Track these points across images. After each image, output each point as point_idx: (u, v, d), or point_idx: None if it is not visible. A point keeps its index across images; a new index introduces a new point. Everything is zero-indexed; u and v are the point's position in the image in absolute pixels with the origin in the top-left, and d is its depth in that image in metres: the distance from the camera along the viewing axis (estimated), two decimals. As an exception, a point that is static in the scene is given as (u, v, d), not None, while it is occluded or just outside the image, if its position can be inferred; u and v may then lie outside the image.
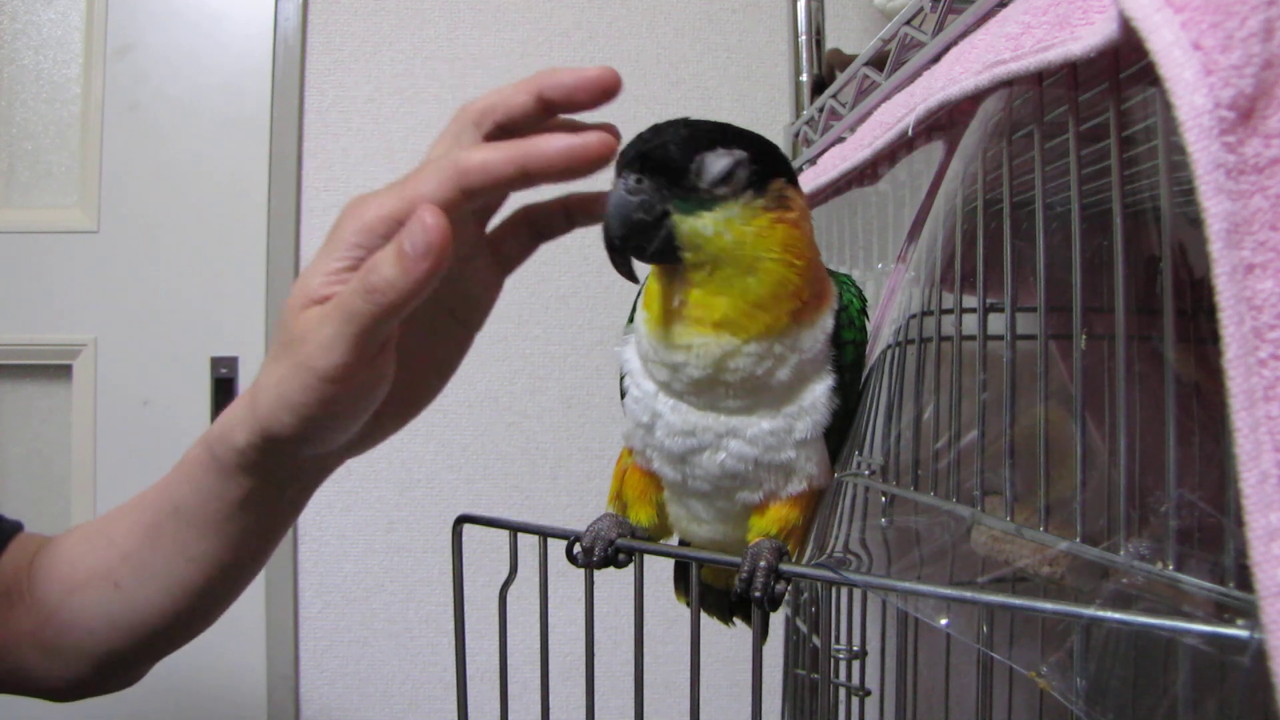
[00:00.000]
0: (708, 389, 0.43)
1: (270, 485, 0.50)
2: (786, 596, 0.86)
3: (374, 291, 0.40)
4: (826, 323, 0.45)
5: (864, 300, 0.48)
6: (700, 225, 0.41)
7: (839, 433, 0.49)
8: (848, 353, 0.46)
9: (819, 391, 0.45)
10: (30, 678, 0.59)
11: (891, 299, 0.51)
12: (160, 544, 0.54)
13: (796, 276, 0.42)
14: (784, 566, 0.44)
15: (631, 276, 0.43)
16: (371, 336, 0.41)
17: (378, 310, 0.40)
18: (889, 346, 0.49)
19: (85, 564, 0.57)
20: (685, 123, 0.42)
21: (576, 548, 0.50)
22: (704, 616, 0.61)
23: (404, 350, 0.48)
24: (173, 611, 0.55)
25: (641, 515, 0.51)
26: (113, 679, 0.60)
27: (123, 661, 0.58)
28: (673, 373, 0.44)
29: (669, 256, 0.41)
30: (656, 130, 0.42)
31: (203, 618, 0.58)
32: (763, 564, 0.44)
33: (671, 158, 0.41)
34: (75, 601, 0.57)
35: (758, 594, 0.43)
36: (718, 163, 0.41)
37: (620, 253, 0.42)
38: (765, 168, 0.42)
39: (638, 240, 0.41)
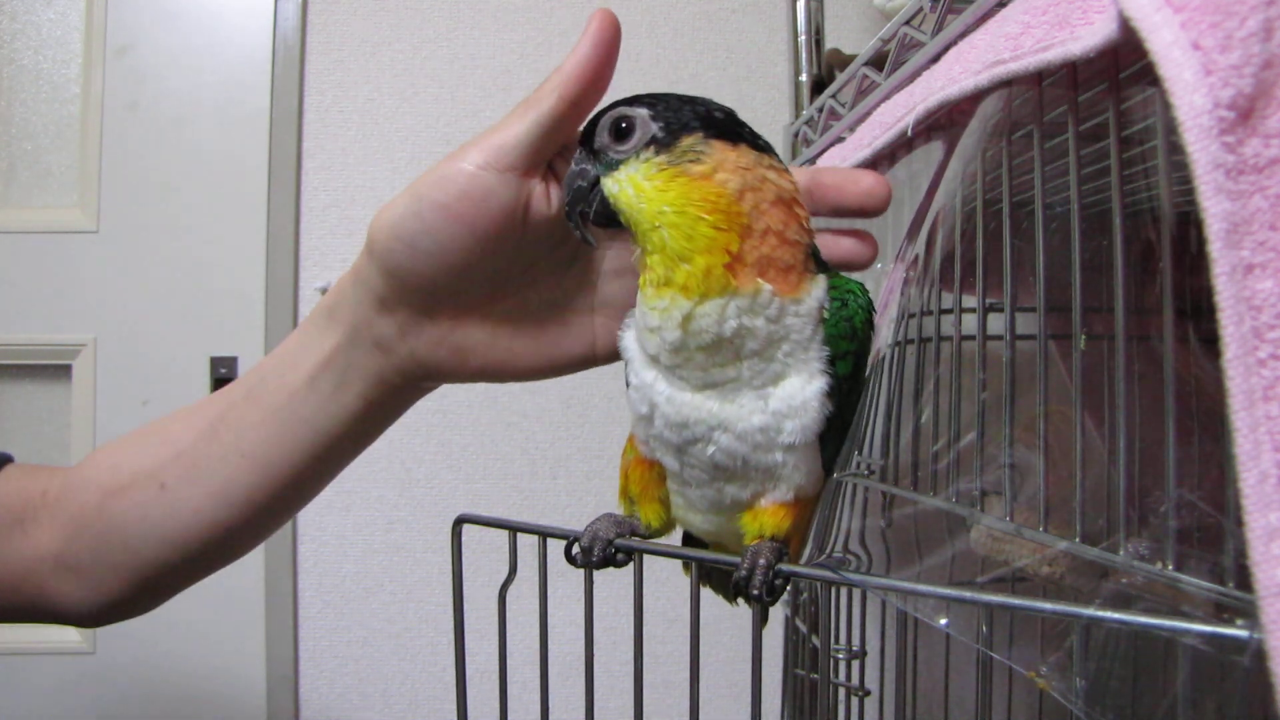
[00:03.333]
0: (687, 355, 0.44)
1: (357, 349, 0.52)
2: (785, 595, 0.86)
3: (561, 82, 0.45)
4: (804, 301, 0.44)
5: (871, 310, 0.47)
6: (610, 185, 0.44)
7: (834, 444, 0.48)
8: (844, 365, 0.45)
9: (810, 393, 0.44)
10: (54, 603, 0.58)
11: (890, 299, 0.51)
12: (220, 435, 0.55)
13: (709, 229, 0.41)
14: (782, 566, 0.44)
15: (586, 241, 0.46)
16: (540, 135, 0.46)
17: (557, 101, 0.45)
18: (888, 346, 0.49)
19: (131, 465, 0.57)
20: (628, 98, 0.45)
21: (575, 548, 0.50)
22: (706, 608, 0.61)
23: (535, 297, 0.53)
24: (214, 521, 0.55)
25: (650, 513, 0.51)
26: (142, 599, 0.59)
27: (156, 579, 0.57)
28: (656, 340, 0.44)
29: (613, 220, 0.45)
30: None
31: (240, 537, 0.57)
32: (762, 561, 0.44)
33: (588, 127, 0.45)
34: (115, 506, 0.56)
35: (755, 591, 0.43)
36: (613, 123, 0.44)
37: (570, 218, 0.46)
38: (678, 125, 0.43)
39: (581, 205, 0.45)
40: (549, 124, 0.46)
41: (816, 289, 0.45)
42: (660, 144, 0.43)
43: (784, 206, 0.44)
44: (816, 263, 0.46)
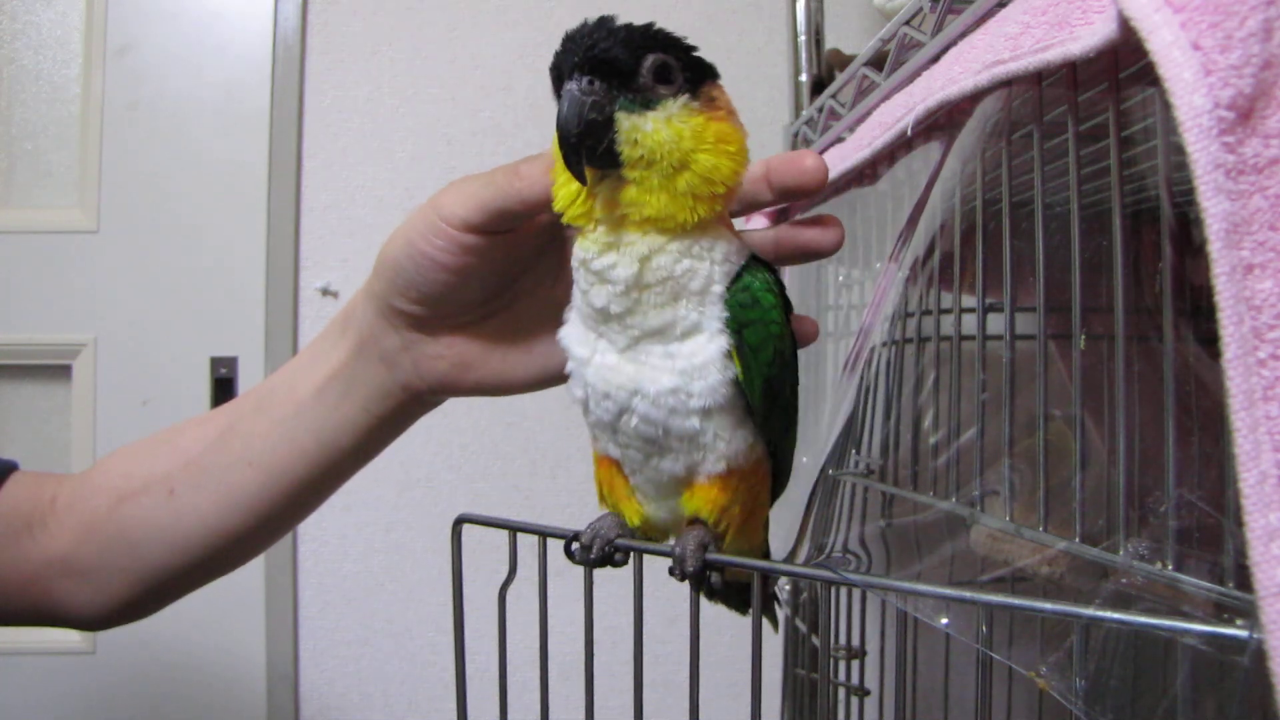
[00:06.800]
0: (630, 296, 0.46)
1: (363, 362, 0.54)
2: (785, 595, 0.86)
3: (518, 176, 0.48)
4: (741, 255, 0.47)
5: (773, 286, 0.49)
6: (641, 123, 0.44)
7: (776, 421, 0.49)
8: (752, 333, 0.47)
9: (711, 351, 0.46)
10: (60, 606, 0.59)
11: (884, 298, 0.51)
12: (229, 444, 0.56)
13: (731, 161, 0.45)
14: (711, 555, 0.47)
15: (582, 178, 0.45)
16: (496, 210, 0.48)
17: (513, 190, 0.48)
18: (882, 345, 0.49)
19: (142, 472, 0.58)
20: (623, 26, 0.45)
21: (575, 545, 0.50)
22: (706, 608, 0.61)
23: (523, 315, 0.55)
24: (219, 527, 0.56)
25: (629, 511, 0.52)
26: (146, 603, 0.60)
27: (160, 583, 0.58)
28: (601, 284, 0.46)
29: (611, 158, 0.44)
30: (594, 34, 0.45)
31: (244, 544, 0.58)
32: (690, 547, 0.47)
33: (621, 60, 0.44)
34: (125, 510, 0.57)
35: (689, 571, 0.46)
36: (660, 66, 0.45)
37: (576, 151, 0.44)
38: (697, 72, 0.46)
39: (592, 140, 0.44)
40: (525, 209, 0.48)
41: (743, 251, 0.48)
42: (691, 91, 0.45)
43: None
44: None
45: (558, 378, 0.56)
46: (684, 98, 0.45)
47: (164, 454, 0.58)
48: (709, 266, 0.46)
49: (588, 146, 0.44)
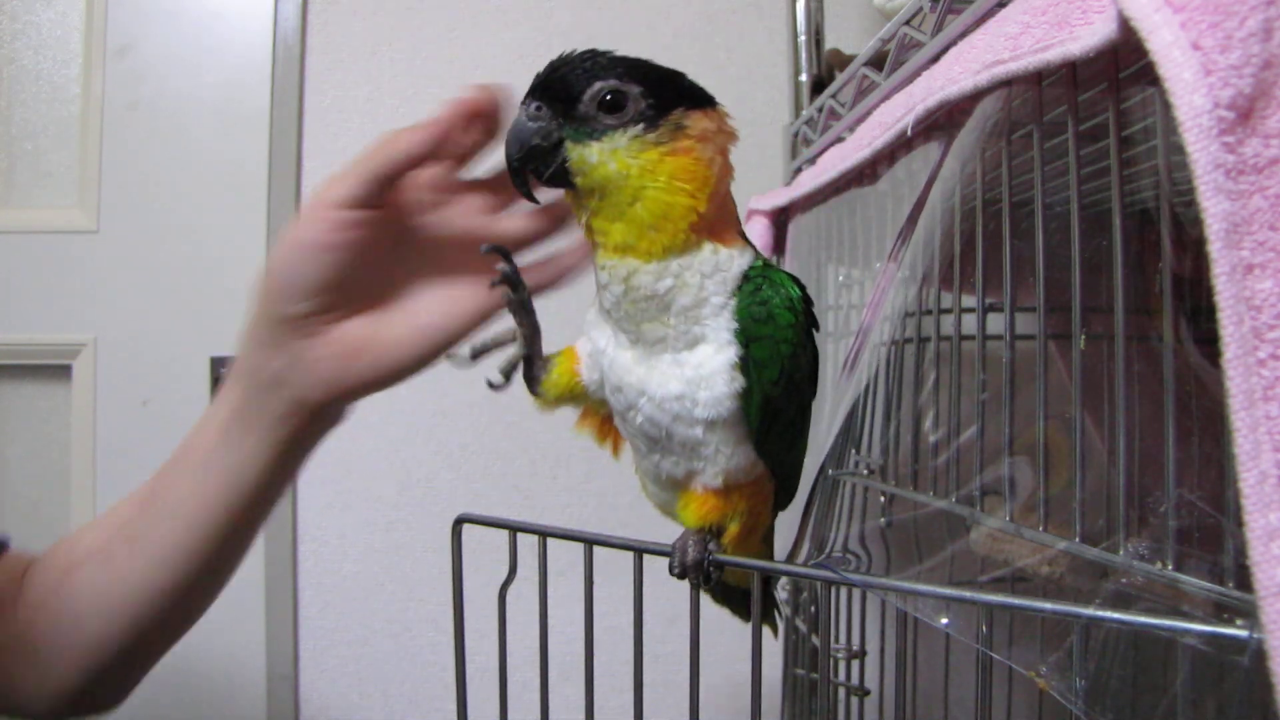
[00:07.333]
0: (626, 305, 0.46)
1: (255, 392, 0.54)
2: (785, 595, 0.86)
3: (391, 142, 0.50)
4: (732, 263, 0.46)
5: (797, 305, 0.46)
6: (587, 154, 0.44)
7: (776, 442, 0.48)
8: (760, 348, 0.45)
9: (719, 362, 0.46)
10: (14, 691, 0.58)
11: (883, 298, 0.51)
12: (155, 502, 0.56)
13: (687, 199, 0.44)
14: (713, 554, 0.47)
15: (530, 197, 0.46)
16: (371, 177, 0.50)
17: (383, 154, 0.50)
18: (882, 345, 0.49)
19: (85, 544, 0.58)
20: (591, 54, 0.45)
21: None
22: (706, 608, 0.61)
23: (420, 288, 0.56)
24: (154, 586, 0.56)
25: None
26: (92, 691, 0.59)
27: (103, 663, 0.58)
28: (604, 291, 0.47)
29: (564, 181, 0.45)
30: (562, 60, 0.45)
31: (178, 604, 0.58)
32: (690, 556, 0.47)
33: (567, 87, 0.44)
34: (70, 583, 0.57)
35: (687, 561, 0.47)
36: (608, 95, 0.44)
37: (517, 174, 0.45)
38: (664, 101, 0.45)
39: (534, 164, 0.45)
40: (399, 168, 0.50)
41: (743, 256, 0.47)
42: (649, 121, 0.44)
43: (726, 157, 0.47)
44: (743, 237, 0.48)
45: (444, 348, 0.56)
46: (635, 129, 0.44)
47: (106, 523, 0.59)
48: (699, 280, 0.45)
49: (532, 170, 0.44)
